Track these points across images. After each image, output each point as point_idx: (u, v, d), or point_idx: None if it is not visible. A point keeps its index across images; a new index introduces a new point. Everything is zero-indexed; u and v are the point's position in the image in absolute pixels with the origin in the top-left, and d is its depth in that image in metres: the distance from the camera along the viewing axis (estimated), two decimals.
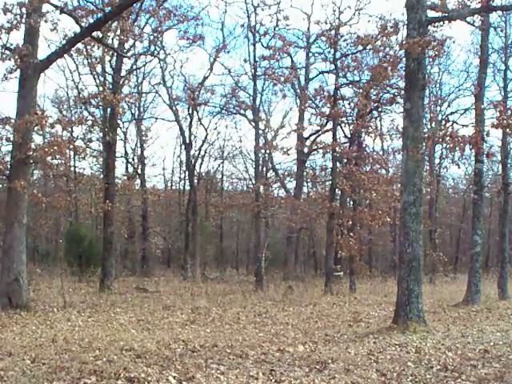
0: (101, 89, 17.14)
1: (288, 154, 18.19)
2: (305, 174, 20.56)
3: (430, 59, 12.25)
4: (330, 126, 18.58)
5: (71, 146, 13.30)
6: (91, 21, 10.81)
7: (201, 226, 25.23)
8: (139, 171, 26.84)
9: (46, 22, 11.09)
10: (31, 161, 10.89)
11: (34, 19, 10.54)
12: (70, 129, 17.77)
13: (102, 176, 23.05)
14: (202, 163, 27.24)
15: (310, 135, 19.92)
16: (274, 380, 5.47)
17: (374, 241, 24.23)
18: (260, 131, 20.80)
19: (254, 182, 22.43)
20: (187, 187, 27.28)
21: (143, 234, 26.29)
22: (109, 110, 16.62)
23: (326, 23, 18.19)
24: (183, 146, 26.09)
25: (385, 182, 16.82)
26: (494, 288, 14.43)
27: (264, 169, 24.07)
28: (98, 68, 18.68)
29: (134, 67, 19.78)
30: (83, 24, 10.77)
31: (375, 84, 16.37)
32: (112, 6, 10.34)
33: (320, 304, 12.83)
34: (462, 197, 30.10)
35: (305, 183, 22.60)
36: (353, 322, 9.87)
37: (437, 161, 24.24)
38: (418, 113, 8.98)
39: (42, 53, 25.39)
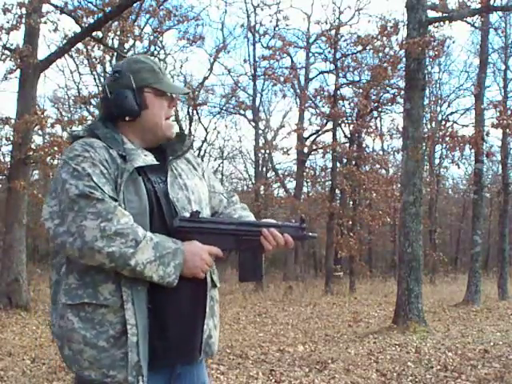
0: (101, 89, 17.15)
1: (288, 154, 18.20)
2: (305, 174, 20.55)
3: (430, 59, 12.27)
4: (330, 126, 18.60)
5: None
6: (91, 21, 10.82)
7: None
8: None
9: (45, 23, 11.11)
10: (31, 161, 10.89)
11: (34, 19, 10.55)
12: (69, 129, 17.74)
13: None
14: None
15: (310, 135, 19.92)
16: (273, 380, 5.47)
17: (373, 241, 24.21)
18: (260, 131, 20.82)
19: (253, 181, 22.44)
20: None
21: None
22: None
23: (326, 23, 18.29)
24: None
25: (385, 182, 16.82)
26: (494, 288, 14.42)
27: (264, 169, 24.07)
28: (98, 68, 18.71)
29: None
30: (83, 24, 10.78)
31: (375, 84, 16.39)
32: (112, 5, 10.34)
33: (320, 304, 12.83)
34: (462, 197, 30.07)
35: (305, 183, 22.58)
36: (353, 322, 9.87)
37: (437, 161, 24.23)
38: (418, 113, 8.98)
39: (42, 53, 25.45)
